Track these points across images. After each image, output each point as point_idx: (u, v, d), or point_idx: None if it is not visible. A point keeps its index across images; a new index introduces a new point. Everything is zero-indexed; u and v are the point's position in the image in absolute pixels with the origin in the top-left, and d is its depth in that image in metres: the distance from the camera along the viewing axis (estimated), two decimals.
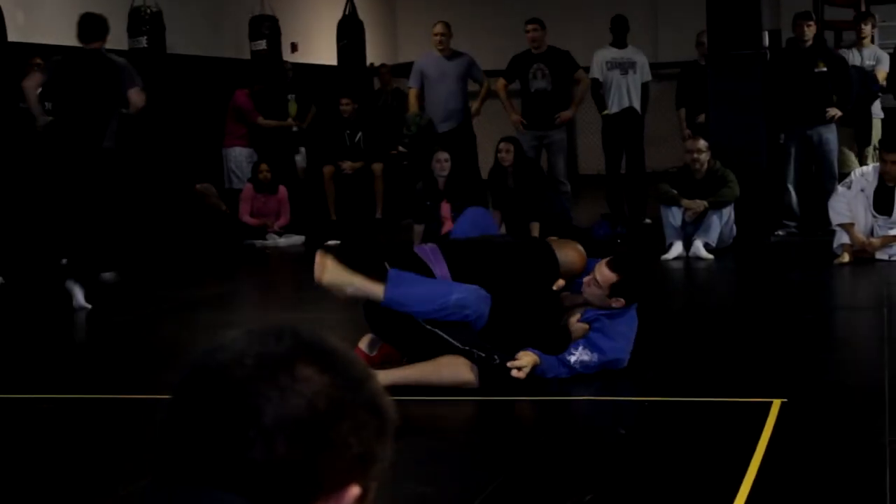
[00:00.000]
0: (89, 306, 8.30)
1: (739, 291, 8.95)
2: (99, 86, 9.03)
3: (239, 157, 13.27)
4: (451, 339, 5.45)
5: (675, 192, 9.94)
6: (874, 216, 9.23)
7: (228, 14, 14.75)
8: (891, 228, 9.17)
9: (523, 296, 5.77)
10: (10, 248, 10.04)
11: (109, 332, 7.78)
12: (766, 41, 11.12)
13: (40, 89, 9.40)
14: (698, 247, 9.67)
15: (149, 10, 12.36)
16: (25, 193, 10.49)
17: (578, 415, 5.46)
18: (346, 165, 13.40)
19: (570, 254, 5.95)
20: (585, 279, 5.69)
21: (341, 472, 1.19)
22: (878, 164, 9.44)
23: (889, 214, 9.20)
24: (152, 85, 10.18)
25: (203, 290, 9.58)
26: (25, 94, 9.27)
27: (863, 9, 13.03)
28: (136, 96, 9.07)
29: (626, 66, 12.11)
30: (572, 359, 5.54)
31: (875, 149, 11.07)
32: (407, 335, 5.57)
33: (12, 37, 10.82)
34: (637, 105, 12.12)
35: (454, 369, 5.41)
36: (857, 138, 11.72)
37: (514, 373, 5.41)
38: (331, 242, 11.72)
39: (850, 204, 9.22)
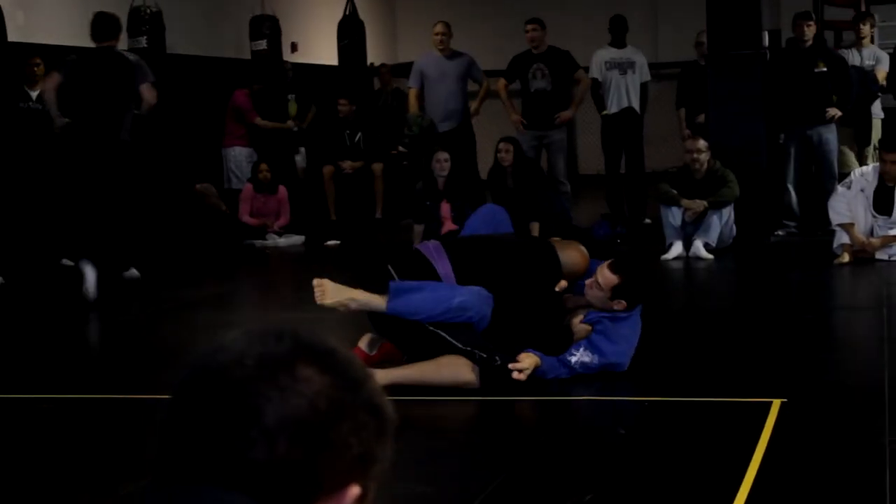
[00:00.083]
0: (96, 294, 8.38)
1: (739, 291, 8.95)
2: (113, 82, 9.18)
3: (238, 156, 13.26)
4: (452, 340, 5.45)
5: (675, 192, 9.94)
6: (874, 216, 9.23)
7: (228, 14, 14.75)
8: (891, 228, 9.17)
9: (525, 295, 5.77)
10: (10, 248, 10.05)
11: (109, 332, 7.78)
12: (766, 41, 11.12)
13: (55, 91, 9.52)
14: (698, 247, 9.67)
15: (149, 10, 12.36)
16: (26, 193, 10.49)
17: (578, 415, 5.46)
18: (347, 165, 13.40)
19: (572, 254, 5.95)
20: (588, 281, 5.70)
21: (341, 473, 1.19)
22: (877, 164, 9.44)
23: (889, 214, 9.20)
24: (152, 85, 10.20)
25: (203, 290, 9.58)
26: (45, 96, 9.41)
27: (863, 9, 13.03)
28: (147, 92, 9.24)
29: (624, 66, 12.11)
30: (573, 360, 5.55)
31: (875, 149, 11.07)
32: (409, 335, 5.58)
33: (12, 37, 10.82)
34: (636, 105, 12.13)
35: (455, 369, 5.42)
36: (856, 138, 11.72)
37: (515, 375, 5.41)
38: (331, 242, 11.73)
39: (850, 204, 9.22)
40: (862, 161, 11.35)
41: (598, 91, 12.16)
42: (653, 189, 10.47)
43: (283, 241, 12.18)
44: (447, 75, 12.10)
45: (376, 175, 13.49)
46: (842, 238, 9.18)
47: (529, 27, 11.78)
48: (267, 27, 13.88)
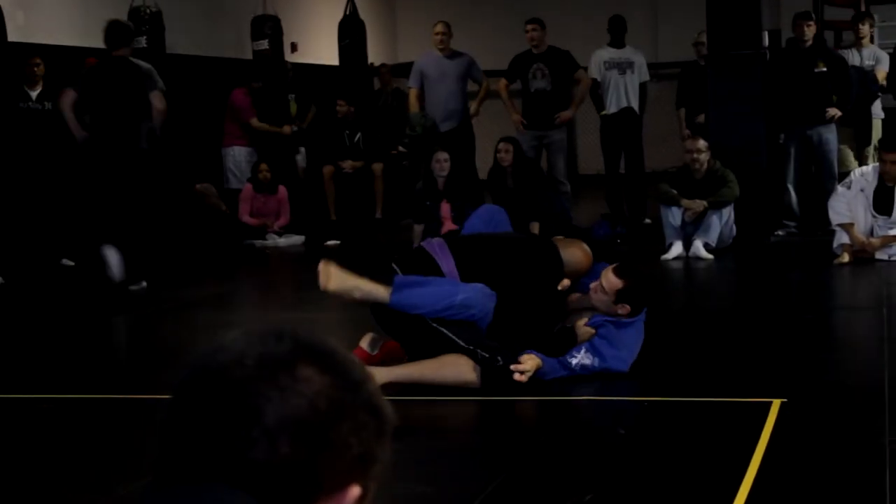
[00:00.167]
0: (122, 275, 8.67)
1: (739, 291, 8.95)
2: (127, 91, 9.23)
3: (238, 156, 13.25)
4: (455, 338, 5.46)
5: (675, 192, 9.93)
6: (874, 216, 9.23)
7: (228, 14, 14.75)
8: (890, 228, 9.17)
9: (528, 294, 5.78)
10: (10, 248, 10.05)
11: (109, 332, 7.78)
12: (766, 41, 11.12)
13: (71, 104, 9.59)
14: (698, 247, 9.67)
15: (148, 10, 12.36)
16: (26, 193, 10.50)
17: (578, 415, 5.46)
18: (347, 164, 13.41)
19: (575, 253, 5.96)
20: (592, 285, 5.72)
21: (342, 473, 1.19)
22: (877, 164, 9.44)
23: (889, 214, 9.20)
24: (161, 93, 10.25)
25: (203, 290, 9.58)
26: (63, 114, 9.45)
27: (862, 9, 13.03)
28: (156, 100, 9.29)
29: (623, 67, 12.11)
30: (574, 361, 5.56)
31: (875, 149, 11.07)
32: (412, 331, 5.58)
33: (12, 37, 10.82)
34: (635, 105, 12.12)
35: (457, 368, 5.42)
36: (856, 138, 11.72)
37: (517, 376, 5.41)
38: (331, 242, 11.73)
39: (850, 204, 9.22)
40: (861, 161, 11.36)
41: (597, 91, 12.17)
42: (653, 189, 10.47)
43: (283, 241, 12.19)
44: (447, 75, 12.10)
45: (376, 175, 13.49)
46: (842, 238, 9.18)
47: (529, 27, 11.78)
48: (269, 27, 13.88)
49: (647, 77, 12.38)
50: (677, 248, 9.75)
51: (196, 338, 7.23)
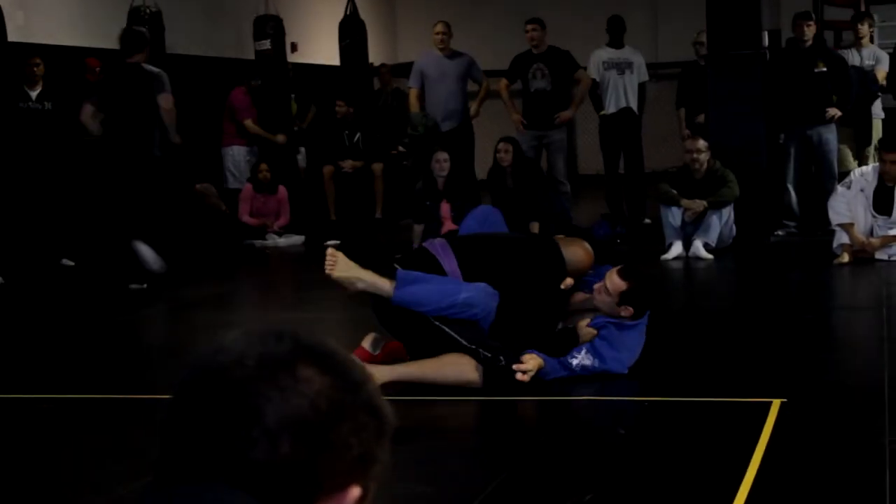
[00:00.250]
0: (162, 265, 9.07)
1: (739, 291, 8.95)
2: (139, 98, 9.39)
3: (237, 156, 13.25)
4: (458, 338, 5.46)
5: (675, 192, 9.94)
6: (874, 216, 9.23)
7: (228, 14, 14.75)
8: (890, 228, 9.17)
9: (531, 293, 5.78)
10: (10, 248, 10.05)
11: (109, 332, 7.78)
12: (766, 41, 11.12)
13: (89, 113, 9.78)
14: (698, 247, 9.68)
15: (148, 10, 12.36)
16: (26, 193, 10.50)
17: (578, 415, 5.46)
18: (347, 164, 13.41)
19: (577, 252, 5.98)
20: (596, 286, 5.73)
21: (342, 473, 1.19)
22: (877, 164, 9.44)
23: (889, 214, 9.20)
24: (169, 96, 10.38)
25: (203, 290, 9.58)
26: (88, 128, 9.64)
27: (862, 9, 13.03)
28: (163, 101, 9.41)
29: (622, 67, 12.11)
30: (574, 362, 5.57)
31: (875, 149, 11.07)
32: (415, 330, 5.58)
33: (12, 37, 10.82)
34: (634, 105, 12.12)
35: (459, 368, 5.42)
36: (857, 138, 11.72)
37: (519, 376, 5.42)
38: (331, 242, 11.73)
39: (850, 204, 9.22)
40: (861, 160, 11.36)
41: (596, 91, 12.16)
42: (653, 189, 10.47)
43: (282, 241, 12.19)
44: (447, 75, 12.10)
45: (376, 175, 13.49)
46: (841, 238, 9.19)
47: (529, 27, 11.78)
48: (271, 27, 13.88)
49: (645, 77, 12.37)
50: (677, 248, 9.75)
51: (196, 338, 7.23)
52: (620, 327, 5.66)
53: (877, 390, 5.17)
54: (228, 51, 14.49)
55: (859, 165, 10.84)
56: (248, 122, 13.11)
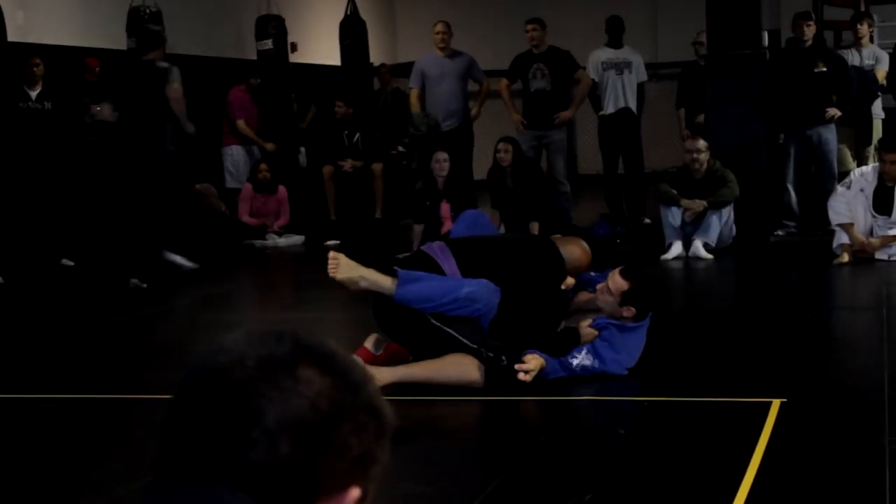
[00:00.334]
0: (193, 264, 9.65)
1: (739, 291, 8.95)
2: (151, 94, 9.69)
3: (236, 156, 13.24)
4: (460, 338, 5.47)
5: (675, 192, 9.94)
6: (874, 216, 9.23)
7: (228, 14, 14.75)
8: (890, 228, 9.17)
9: (532, 293, 5.79)
10: (10, 248, 10.06)
11: (109, 332, 7.79)
12: (766, 41, 11.11)
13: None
14: (698, 247, 9.67)
15: (148, 10, 12.36)
16: (26, 193, 10.50)
17: (578, 415, 5.46)
18: (347, 164, 13.41)
19: (574, 251, 6.00)
20: (599, 286, 5.74)
21: (342, 474, 1.19)
22: (877, 164, 9.44)
23: (888, 214, 9.20)
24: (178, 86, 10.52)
25: (203, 290, 9.58)
26: (106, 121, 10.04)
27: (862, 9, 13.03)
28: (171, 92, 9.74)
29: (621, 67, 12.10)
30: (574, 362, 5.58)
31: (875, 149, 11.07)
32: (416, 333, 5.58)
33: (12, 37, 10.82)
34: (633, 105, 12.10)
35: (461, 368, 5.43)
36: (856, 138, 11.72)
37: (521, 376, 5.42)
38: (331, 242, 11.73)
39: (850, 204, 9.22)
40: (860, 160, 11.36)
41: (595, 91, 12.16)
42: (652, 189, 10.47)
43: (282, 241, 12.19)
44: (448, 75, 12.10)
45: (376, 175, 13.49)
46: (841, 238, 9.18)
47: (529, 27, 11.77)
48: (273, 27, 13.88)
49: (644, 77, 12.37)
50: (677, 248, 9.75)
51: (196, 338, 7.23)
52: (622, 329, 5.67)
53: (877, 390, 5.17)
54: (228, 51, 14.49)
55: (858, 165, 10.84)
56: (241, 123, 13.08)
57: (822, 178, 10.78)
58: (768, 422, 4.69)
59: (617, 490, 4.09)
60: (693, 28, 12.91)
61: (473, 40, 15.05)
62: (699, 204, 9.81)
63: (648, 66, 12.68)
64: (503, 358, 5.45)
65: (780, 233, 10.82)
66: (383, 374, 5.31)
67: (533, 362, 5.47)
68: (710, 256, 9.65)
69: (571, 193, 12.19)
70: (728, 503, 3.82)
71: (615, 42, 12.27)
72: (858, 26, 11.86)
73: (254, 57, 14.16)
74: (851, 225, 9.16)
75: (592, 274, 6.13)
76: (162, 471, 1.21)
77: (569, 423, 5.32)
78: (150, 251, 9.72)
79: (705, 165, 9.98)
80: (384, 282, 5.53)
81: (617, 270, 5.72)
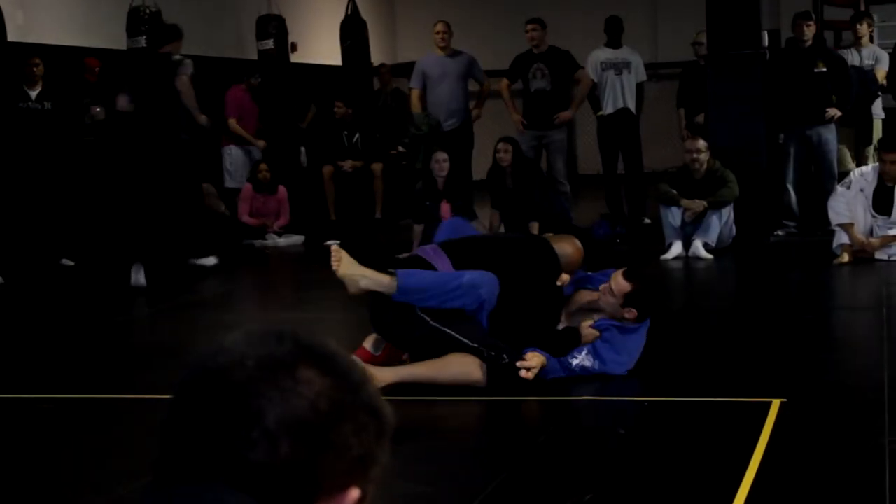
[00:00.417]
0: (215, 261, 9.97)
1: (739, 291, 8.95)
2: (165, 85, 10.00)
3: (235, 155, 13.22)
4: (460, 338, 5.47)
5: (675, 192, 9.94)
6: (873, 216, 9.23)
7: (228, 14, 14.75)
8: (890, 228, 9.17)
9: (527, 291, 5.79)
10: (10, 248, 10.06)
11: (109, 332, 7.79)
12: (766, 41, 11.11)
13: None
14: (698, 247, 9.67)
15: (148, 10, 12.34)
16: (26, 193, 10.50)
17: (578, 415, 5.46)
18: (347, 164, 13.41)
19: (566, 248, 6.02)
20: (602, 287, 5.75)
21: (342, 474, 1.19)
22: (877, 164, 9.44)
23: (888, 214, 9.20)
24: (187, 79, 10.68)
25: (203, 290, 9.58)
26: (123, 112, 10.30)
27: (862, 8, 13.03)
28: (179, 84, 10.06)
29: (620, 67, 12.09)
30: (574, 362, 5.58)
31: (875, 149, 11.07)
32: (415, 336, 5.58)
33: (12, 37, 10.82)
34: (631, 106, 12.09)
35: (464, 367, 5.43)
36: (857, 138, 11.72)
37: (523, 373, 5.44)
38: (330, 242, 11.73)
39: (850, 204, 9.22)
40: (860, 160, 11.36)
41: (594, 92, 12.15)
42: (652, 189, 10.47)
43: (282, 241, 12.18)
44: (449, 74, 12.11)
45: (376, 175, 13.49)
46: (841, 238, 9.18)
47: (530, 27, 11.77)
48: (273, 27, 13.87)
49: (643, 77, 12.36)
50: (677, 248, 9.75)
51: (196, 338, 7.23)
52: (623, 330, 5.68)
53: (877, 390, 5.17)
54: (228, 51, 14.48)
55: (858, 165, 10.84)
56: (232, 122, 13.05)
57: (821, 178, 10.78)
58: (768, 422, 4.69)
59: (617, 490, 4.09)
60: (693, 28, 12.91)
61: (474, 40, 15.04)
62: (699, 204, 9.81)
63: (648, 66, 12.67)
64: (504, 356, 5.46)
65: (780, 233, 10.81)
66: (385, 375, 5.31)
67: (534, 359, 5.48)
68: (710, 256, 9.65)
69: (571, 193, 12.19)
70: (728, 503, 3.82)
71: (614, 42, 12.26)
72: (858, 26, 11.86)
73: (254, 57, 14.16)
74: (851, 225, 9.16)
75: (591, 273, 6.13)
76: (162, 471, 1.21)
77: (569, 423, 5.32)
78: (168, 255, 9.86)
79: (705, 165, 9.98)
80: (384, 279, 5.55)
81: (620, 272, 5.73)
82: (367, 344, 5.91)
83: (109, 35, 12.24)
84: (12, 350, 7.24)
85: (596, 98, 12.21)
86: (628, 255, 9.93)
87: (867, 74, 11.46)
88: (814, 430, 4.72)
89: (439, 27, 12.24)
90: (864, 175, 9.37)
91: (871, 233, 9.22)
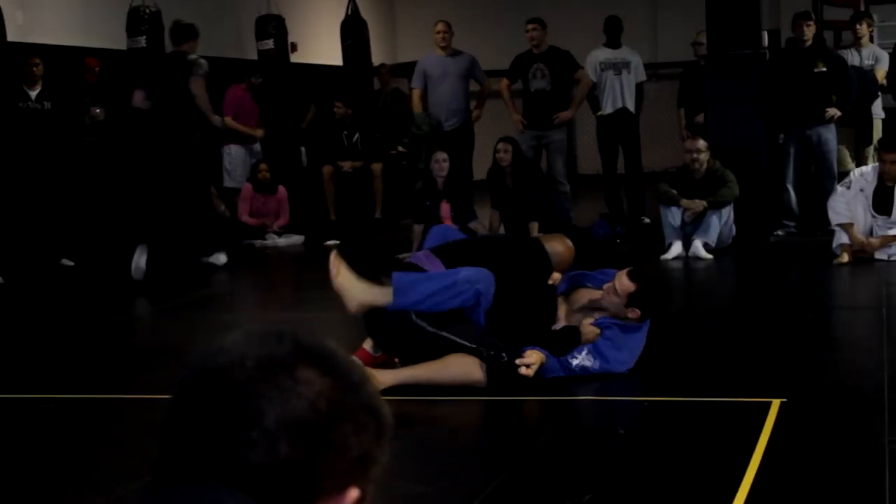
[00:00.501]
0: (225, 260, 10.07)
1: (739, 291, 8.95)
2: (180, 83, 10.13)
3: (234, 155, 13.21)
4: (458, 339, 5.47)
5: (675, 192, 9.94)
6: (873, 216, 9.23)
7: (228, 14, 14.74)
8: (890, 228, 9.17)
9: (520, 291, 5.79)
10: (10, 248, 10.06)
11: (109, 332, 7.79)
12: (766, 41, 11.11)
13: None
14: (697, 247, 9.67)
15: (148, 10, 12.35)
16: (26, 193, 10.50)
17: (578, 415, 5.46)
18: (346, 164, 13.41)
19: (556, 247, 6.04)
20: (605, 286, 5.75)
21: (341, 474, 1.19)
22: (877, 164, 9.44)
23: (888, 214, 9.20)
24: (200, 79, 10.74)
25: (203, 290, 9.58)
26: (139, 109, 10.43)
27: (862, 8, 13.03)
28: (193, 85, 10.18)
29: (619, 67, 12.08)
30: (574, 362, 5.58)
31: (875, 149, 11.07)
32: (413, 343, 5.57)
33: (12, 37, 10.83)
34: (631, 106, 12.08)
35: (464, 367, 5.43)
36: (857, 138, 11.72)
37: (523, 370, 5.44)
38: (330, 242, 11.73)
39: (850, 204, 9.22)
40: (860, 160, 11.35)
41: (594, 92, 12.15)
42: (652, 189, 10.47)
43: (282, 241, 12.18)
44: (449, 74, 12.11)
45: (376, 175, 13.49)
46: (841, 238, 9.18)
47: (530, 27, 11.77)
48: (273, 27, 13.86)
49: (643, 77, 12.35)
50: (677, 248, 9.75)
51: (196, 338, 7.23)
52: (625, 329, 5.68)
53: (877, 390, 5.17)
54: (229, 50, 14.47)
55: (858, 165, 10.84)
56: (228, 119, 13.04)
57: (821, 178, 10.78)
58: (768, 422, 4.69)
59: (617, 490, 4.09)
60: (693, 28, 12.90)
61: (474, 40, 15.04)
62: (699, 204, 9.81)
63: (648, 66, 12.67)
64: (503, 355, 5.46)
65: (780, 233, 10.81)
66: (386, 377, 5.31)
67: (533, 356, 5.48)
68: (709, 256, 9.65)
69: (571, 193, 12.18)
70: (728, 503, 3.82)
71: (613, 42, 12.26)
72: (858, 26, 11.86)
73: (254, 57, 14.16)
74: (851, 225, 9.16)
75: (588, 272, 6.14)
76: (161, 471, 1.21)
77: (569, 423, 5.32)
78: (178, 252, 9.94)
79: (705, 165, 9.98)
80: (380, 293, 5.54)
81: (624, 272, 5.74)
82: (367, 345, 5.90)
83: (109, 35, 12.25)
84: (12, 350, 7.24)
85: (595, 98, 12.20)
86: (628, 254, 9.93)
87: (867, 74, 11.46)
88: (814, 430, 4.72)
89: (440, 27, 12.24)
90: (864, 175, 9.37)
91: (870, 233, 9.22)
